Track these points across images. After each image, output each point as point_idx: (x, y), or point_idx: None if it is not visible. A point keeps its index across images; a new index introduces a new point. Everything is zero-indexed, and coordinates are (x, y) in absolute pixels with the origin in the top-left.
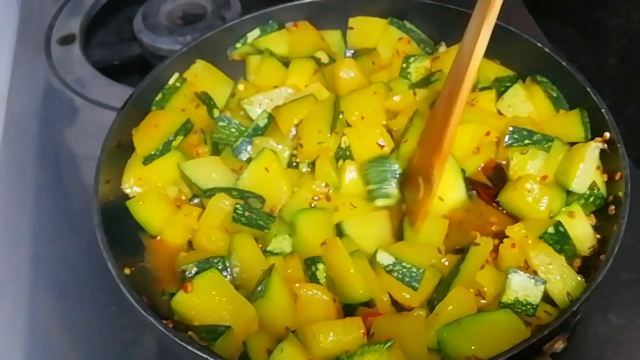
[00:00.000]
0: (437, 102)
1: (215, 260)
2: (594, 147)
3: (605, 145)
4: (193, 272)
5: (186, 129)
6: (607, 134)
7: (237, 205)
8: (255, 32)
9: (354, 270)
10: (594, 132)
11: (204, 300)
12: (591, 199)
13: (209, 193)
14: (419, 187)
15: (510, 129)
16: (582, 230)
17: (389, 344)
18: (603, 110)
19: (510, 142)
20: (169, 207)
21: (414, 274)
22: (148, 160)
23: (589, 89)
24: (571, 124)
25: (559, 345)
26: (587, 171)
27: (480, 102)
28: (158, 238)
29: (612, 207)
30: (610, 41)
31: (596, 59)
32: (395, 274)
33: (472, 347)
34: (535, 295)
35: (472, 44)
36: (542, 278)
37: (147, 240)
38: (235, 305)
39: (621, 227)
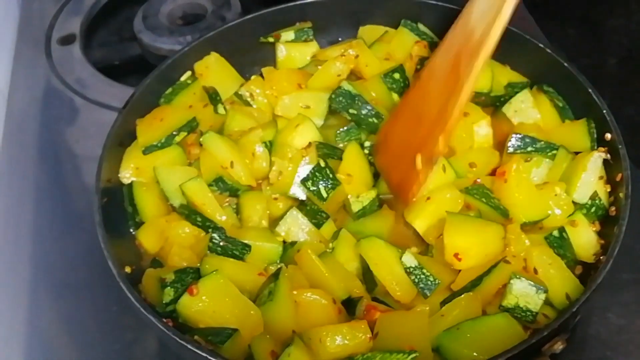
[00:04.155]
0: (428, 73)
1: (191, 271)
2: (597, 157)
3: (609, 156)
4: (171, 280)
5: (191, 126)
6: (608, 135)
7: (214, 235)
8: (289, 35)
9: (328, 274)
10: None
11: (210, 303)
12: (593, 209)
13: (180, 210)
14: (411, 165)
15: (514, 135)
16: (585, 238)
17: (413, 355)
18: (604, 111)
19: (513, 148)
20: (164, 206)
21: (429, 283)
22: (148, 150)
23: (590, 90)
24: (577, 133)
25: (559, 346)
26: (588, 181)
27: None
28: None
29: (613, 208)
30: (610, 41)
31: (596, 59)
32: (413, 277)
33: (474, 354)
34: (535, 302)
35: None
36: (543, 281)
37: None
38: (241, 307)
39: (621, 228)
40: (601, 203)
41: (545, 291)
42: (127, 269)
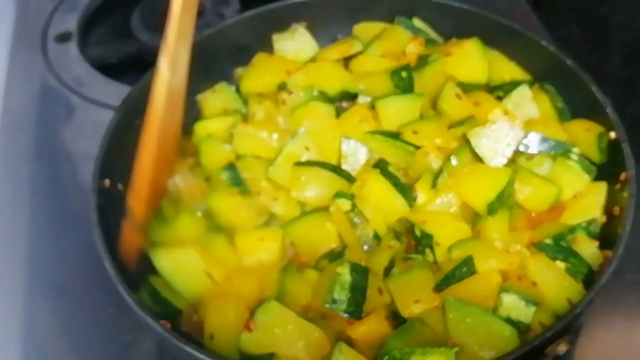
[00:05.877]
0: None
1: None
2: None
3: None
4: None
5: None
6: (612, 134)
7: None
8: None
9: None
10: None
11: (270, 334)
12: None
13: None
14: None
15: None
16: (586, 253)
17: (455, 349)
18: (608, 109)
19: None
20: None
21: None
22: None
23: (593, 88)
24: (588, 145)
25: (562, 348)
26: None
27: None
28: None
29: (617, 208)
30: (613, 39)
31: (600, 57)
32: None
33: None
34: (526, 315)
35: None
36: (541, 289)
37: None
38: (302, 330)
39: (625, 228)
40: (595, 229)
41: (535, 304)
42: None
